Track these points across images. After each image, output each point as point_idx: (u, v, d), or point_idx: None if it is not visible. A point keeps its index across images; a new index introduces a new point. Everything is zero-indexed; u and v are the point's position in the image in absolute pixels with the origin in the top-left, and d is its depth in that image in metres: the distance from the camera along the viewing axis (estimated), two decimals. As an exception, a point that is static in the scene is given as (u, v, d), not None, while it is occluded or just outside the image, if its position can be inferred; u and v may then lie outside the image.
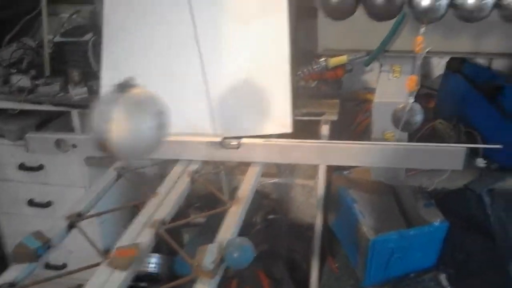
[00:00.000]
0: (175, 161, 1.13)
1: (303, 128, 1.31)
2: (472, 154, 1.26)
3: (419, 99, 1.50)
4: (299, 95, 1.32)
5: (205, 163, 1.14)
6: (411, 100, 0.62)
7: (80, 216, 0.94)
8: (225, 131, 1.20)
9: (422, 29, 0.57)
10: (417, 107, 0.61)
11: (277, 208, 1.64)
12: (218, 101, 1.19)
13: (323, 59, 1.26)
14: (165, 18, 1.16)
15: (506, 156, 1.27)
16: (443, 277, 1.32)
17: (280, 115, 1.23)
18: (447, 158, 1.02)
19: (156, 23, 1.17)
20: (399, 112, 0.62)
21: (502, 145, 1.26)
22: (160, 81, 1.07)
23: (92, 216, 0.98)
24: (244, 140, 1.08)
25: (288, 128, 1.23)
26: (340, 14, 0.55)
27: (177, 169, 1.08)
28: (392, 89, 1.18)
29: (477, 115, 1.32)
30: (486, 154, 1.29)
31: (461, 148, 0.99)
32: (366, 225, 1.30)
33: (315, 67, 1.27)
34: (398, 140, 1.19)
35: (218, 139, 1.08)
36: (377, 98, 1.14)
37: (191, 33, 1.12)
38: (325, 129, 1.25)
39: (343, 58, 1.26)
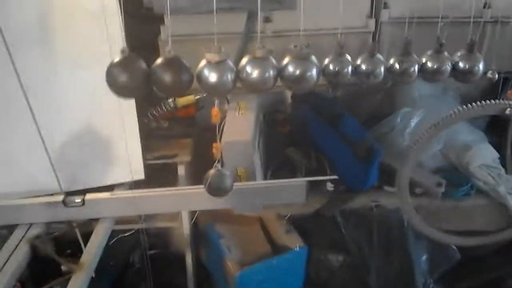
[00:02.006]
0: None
1: (159, 172, 1.29)
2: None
3: (276, 124, 1.59)
4: (152, 137, 1.30)
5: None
6: (219, 166, 0.63)
7: None
8: (71, 184, 1.14)
9: (216, 101, 0.59)
10: (226, 172, 0.62)
11: (157, 242, 1.59)
12: (59, 153, 1.12)
13: (171, 99, 1.26)
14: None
15: (351, 178, 1.37)
16: (310, 298, 1.38)
17: (130, 162, 1.20)
18: (291, 192, 1.06)
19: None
20: (210, 178, 0.63)
21: (348, 168, 1.37)
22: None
23: None
24: (88, 196, 1.03)
25: (140, 175, 1.21)
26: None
27: (16, 236, 0.99)
28: (239, 127, 1.21)
29: (324, 142, 1.41)
30: (334, 178, 1.38)
31: (302, 182, 1.04)
32: (232, 260, 1.31)
33: (164, 108, 1.27)
34: (248, 176, 1.23)
35: (60, 198, 1.01)
36: (225, 138, 1.16)
37: (15, 84, 1.04)
38: (181, 170, 1.24)
39: (190, 98, 1.26)
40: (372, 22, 1.31)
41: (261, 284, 1.31)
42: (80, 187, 1.14)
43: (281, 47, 1.31)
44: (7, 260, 0.91)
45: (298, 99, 1.43)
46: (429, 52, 0.62)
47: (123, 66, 0.53)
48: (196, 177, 1.40)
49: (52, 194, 1.12)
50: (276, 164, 1.41)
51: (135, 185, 1.23)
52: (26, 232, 1.00)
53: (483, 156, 1.45)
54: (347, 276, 1.46)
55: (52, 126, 1.09)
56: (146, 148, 1.23)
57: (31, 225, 1.03)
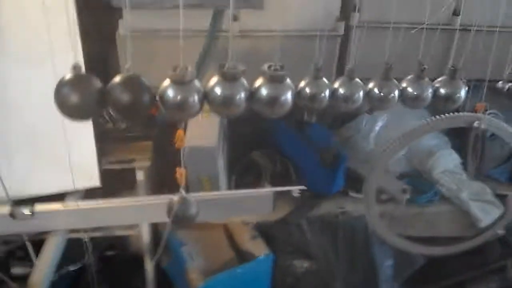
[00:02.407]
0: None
1: (117, 178, 1.22)
2: (288, 183, 1.32)
3: (240, 125, 1.54)
4: (108, 140, 1.22)
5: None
6: (183, 192, 0.58)
7: None
8: (19, 191, 1.05)
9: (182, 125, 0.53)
10: (191, 200, 0.56)
11: (116, 244, 1.52)
12: (6, 158, 1.03)
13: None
14: None
15: (316, 184, 1.35)
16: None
17: (84, 167, 1.12)
18: (257, 203, 1.02)
19: None
20: (174, 206, 0.58)
21: (313, 173, 1.34)
22: None
23: None
24: (38, 207, 0.95)
25: (96, 181, 1.13)
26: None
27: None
28: (203, 131, 1.15)
29: (289, 146, 1.38)
30: (301, 183, 1.35)
31: (269, 192, 1.00)
32: (195, 268, 1.26)
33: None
34: (212, 183, 1.17)
35: (6, 210, 0.92)
36: (188, 142, 1.09)
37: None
38: (140, 176, 1.17)
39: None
40: (341, 25, 1.27)
41: (225, 294, 1.27)
42: (29, 194, 1.06)
43: (248, 48, 1.27)
44: None
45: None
46: (409, 77, 0.59)
47: (74, 85, 0.46)
48: (156, 182, 1.33)
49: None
50: (240, 169, 1.36)
51: (90, 192, 1.15)
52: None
53: (446, 162, 1.46)
54: (313, 283, 1.44)
55: (1, 129, 1.00)
56: (101, 152, 1.15)
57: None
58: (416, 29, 1.15)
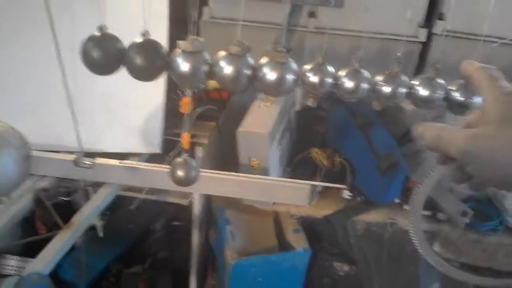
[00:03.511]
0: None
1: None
2: (342, 183, 1.31)
3: (313, 121, 1.55)
4: (177, 115, 1.31)
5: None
6: (185, 154, 0.63)
7: None
8: (92, 144, 1.18)
9: (188, 91, 0.57)
10: (193, 162, 0.61)
11: (181, 215, 1.62)
12: (85, 113, 1.16)
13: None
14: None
15: (371, 190, 1.32)
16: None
17: (150, 134, 1.22)
18: (295, 193, 1.04)
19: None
20: (175, 165, 0.62)
21: (369, 179, 1.32)
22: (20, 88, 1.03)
23: None
24: (98, 160, 1.06)
25: (156, 148, 1.23)
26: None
27: (24, 185, 1.04)
28: (260, 118, 1.19)
29: (351, 148, 1.36)
30: (354, 186, 1.33)
31: (305, 185, 1.01)
32: (232, 248, 1.31)
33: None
34: (261, 168, 1.21)
35: (71, 157, 1.05)
36: (241, 127, 1.15)
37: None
38: (199, 152, 1.24)
39: (219, 81, 1.26)
40: (423, 32, 1.23)
41: (255, 277, 1.30)
42: (100, 150, 1.18)
43: (323, 45, 1.28)
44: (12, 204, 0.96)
45: (338, 98, 1.38)
46: (423, 76, 0.57)
47: (98, 42, 0.53)
48: (213, 161, 1.40)
49: (72, 152, 1.17)
50: (297, 162, 1.38)
51: (152, 158, 1.25)
52: (34, 183, 1.04)
53: (522, 192, 1.34)
54: (349, 287, 1.41)
55: (86, 87, 1.13)
56: (168, 124, 1.24)
57: (43, 177, 1.07)
58: (497, 43, 1.08)
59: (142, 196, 1.20)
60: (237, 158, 1.26)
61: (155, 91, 1.21)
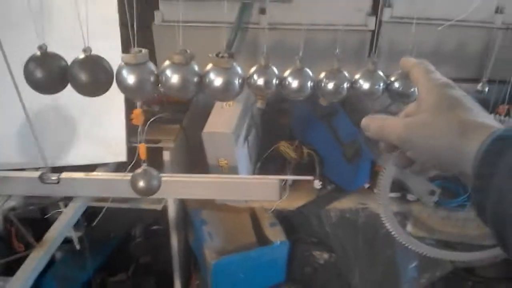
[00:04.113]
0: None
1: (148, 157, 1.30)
2: (312, 173, 1.33)
3: (278, 115, 1.57)
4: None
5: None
6: (144, 164, 0.63)
7: None
8: (54, 159, 1.17)
9: (138, 104, 0.58)
10: (154, 172, 0.61)
11: (159, 219, 1.62)
12: (45, 126, 1.15)
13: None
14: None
15: (340, 178, 1.34)
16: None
17: (114, 143, 1.22)
18: (263, 190, 1.05)
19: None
20: (136, 176, 0.63)
21: (337, 167, 1.34)
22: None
23: None
24: (64, 175, 1.05)
25: (122, 157, 1.23)
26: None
27: (-8, 207, 1.03)
28: (223, 118, 1.20)
29: (317, 138, 1.38)
30: (324, 175, 1.36)
31: (274, 181, 1.02)
32: (211, 248, 1.32)
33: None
34: (230, 167, 1.22)
35: (37, 175, 1.04)
36: (205, 128, 1.15)
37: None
38: (166, 156, 1.24)
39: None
40: (372, 20, 1.25)
41: (237, 275, 1.31)
42: (64, 164, 1.17)
43: (276, 41, 1.29)
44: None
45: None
46: (364, 69, 0.58)
47: (40, 62, 0.52)
48: (183, 163, 1.40)
49: (38, 168, 1.16)
50: (266, 158, 1.39)
51: (121, 167, 1.25)
52: (2, 204, 1.03)
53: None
54: (330, 275, 1.44)
55: (41, 100, 1.11)
56: (131, 131, 1.24)
57: (9, 197, 1.06)
58: (443, 26, 1.10)
59: (114, 205, 1.20)
60: (205, 159, 1.27)
61: (115, 98, 1.20)
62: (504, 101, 1.04)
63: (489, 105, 1.12)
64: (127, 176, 1.07)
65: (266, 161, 1.39)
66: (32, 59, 0.53)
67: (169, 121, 1.34)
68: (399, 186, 1.32)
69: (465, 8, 1.12)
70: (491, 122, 0.42)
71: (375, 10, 1.23)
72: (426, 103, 0.46)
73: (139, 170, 0.63)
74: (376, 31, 1.23)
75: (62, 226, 0.98)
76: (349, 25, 1.23)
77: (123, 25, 1.18)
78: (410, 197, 1.34)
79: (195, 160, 1.43)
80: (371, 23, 1.22)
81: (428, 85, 0.47)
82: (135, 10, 0.61)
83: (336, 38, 1.11)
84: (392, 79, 0.57)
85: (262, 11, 1.22)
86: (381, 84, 0.56)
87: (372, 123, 0.51)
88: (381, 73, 0.57)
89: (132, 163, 1.14)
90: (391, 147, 0.52)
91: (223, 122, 1.18)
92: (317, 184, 1.34)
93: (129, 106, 1.23)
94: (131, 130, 1.24)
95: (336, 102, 0.58)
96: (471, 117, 0.42)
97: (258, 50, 1.29)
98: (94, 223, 1.33)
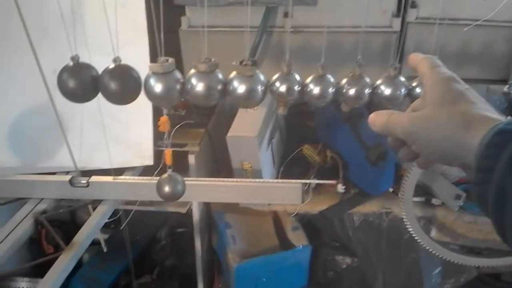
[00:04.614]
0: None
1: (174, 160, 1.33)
2: (335, 177, 1.34)
3: (302, 117, 1.57)
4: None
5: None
6: (170, 170, 0.65)
7: None
8: (85, 163, 1.21)
9: (165, 111, 0.60)
10: (178, 177, 0.63)
11: (184, 221, 1.65)
12: (75, 131, 1.19)
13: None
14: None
15: (364, 182, 1.34)
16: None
17: (141, 147, 1.25)
18: (288, 193, 1.06)
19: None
20: (161, 181, 0.65)
21: (361, 171, 1.34)
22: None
23: None
24: (93, 179, 1.09)
25: (149, 161, 1.25)
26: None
27: (24, 210, 1.07)
28: (247, 122, 1.21)
29: (341, 141, 1.38)
30: (348, 179, 1.36)
31: (297, 184, 1.03)
32: (234, 251, 1.34)
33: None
34: (254, 171, 1.23)
35: (67, 178, 1.08)
36: (230, 132, 1.17)
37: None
38: (191, 160, 1.27)
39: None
40: (397, 21, 1.24)
41: (259, 278, 1.32)
42: (93, 167, 1.20)
43: (301, 43, 1.30)
44: (10, 232, 0.98)
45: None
46: (385, 75, 0.59)
47: (73, 72, 0.55)
48: (207, 167, 1.42)
49: (67, 172, 1.20)
50: (289, 160, 1.40)
51: (146, 169, 1.28)
52: (34, 207, 1.07)
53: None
54: (353, 279, 1.44)
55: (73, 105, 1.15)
56: (158, 135, 1.26)
57: (40, 200, 1.10)
58: (470, 26, 1.09)
59: (141, 208, 1.23)
60: (230, 162, 1.29)
61: (143, 103, 1.23)
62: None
63: (516, 107, 1.11)
64: (154, 180, 1.10)
65: (290, 164, 1.40)
66: (65, 69, 0.56)
67: (194, 125, 1.37)
68: (423, 190, 1.31)
69: (492, 8, 1.11)
70: (494, 115, 0.42)
71: (400, 11, 1.22)
72: (431, 96, 0.46)
73: (164, 176, 0.65)
74: (401, 32, 1.22)
75: (90, 228, 1.01)
76: (374, 26, 1.23)
77: (150, 30, 1.21)
78: (434, 201, 1.33)
79: (219, 163, 1.46)
80: (396, 24, 1.22)
81: (433, 79, 0.48)
82: (162, 16, 0.63)
83: (362, 39, 1.11)
84: (414, 84, 0.57)
85: (286, 14, 1.24)
86: (403, 90, 0.57)
87: (378, 118, 0.52)
88: (402, 79, 0.58)
89: (159, 168, 1.16)
90: (397, 142, 0.52)
91: (247, 126, 1.20)
92: (341, 188, 1.34)
93: (157, 111, 1.26)
94: (158, 134, 1.27)
95: (358, 106, 0.59)
96: (474, 110, 0.43)
97: (283, 53, 1.30)
98: (122, 227, 1.36)
